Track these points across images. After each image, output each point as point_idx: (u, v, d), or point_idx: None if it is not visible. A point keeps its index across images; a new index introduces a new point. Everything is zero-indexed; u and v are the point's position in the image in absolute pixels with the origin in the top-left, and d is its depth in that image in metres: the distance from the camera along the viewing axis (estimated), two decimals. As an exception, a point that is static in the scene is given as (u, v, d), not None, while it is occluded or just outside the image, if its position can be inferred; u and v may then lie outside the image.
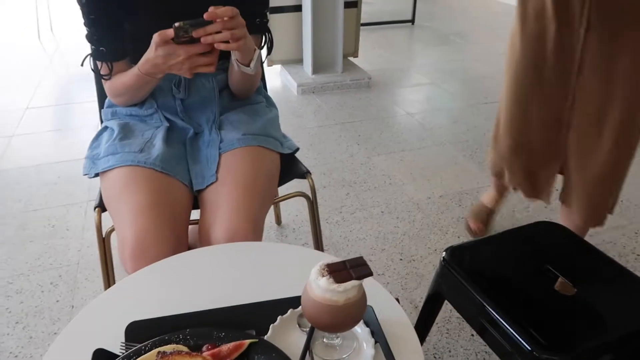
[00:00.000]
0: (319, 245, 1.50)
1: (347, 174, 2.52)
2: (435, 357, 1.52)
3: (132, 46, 1.23)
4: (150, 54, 1.11)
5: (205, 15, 1.03)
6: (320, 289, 0.69)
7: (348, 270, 0.71)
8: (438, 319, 1.53)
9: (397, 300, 1.36)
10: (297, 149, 1.46)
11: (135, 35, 1.22)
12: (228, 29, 1.05)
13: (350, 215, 2.20)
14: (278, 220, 2.12)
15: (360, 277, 0.70)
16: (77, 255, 1.89)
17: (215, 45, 1.06)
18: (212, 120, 1.34)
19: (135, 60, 1.20)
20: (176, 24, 1.03)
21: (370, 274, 0.71)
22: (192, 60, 1.09)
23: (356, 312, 0.71)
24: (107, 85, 1.28)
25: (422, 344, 1.28)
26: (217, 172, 1.22)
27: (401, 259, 1.93)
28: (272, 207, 2.08)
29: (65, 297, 1.74)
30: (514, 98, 1.54)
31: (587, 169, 1.45)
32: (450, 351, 1.54)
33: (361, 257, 0.73)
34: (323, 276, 0.69)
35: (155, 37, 1.07)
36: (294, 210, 2.21)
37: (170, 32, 1.05)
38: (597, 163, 1.42)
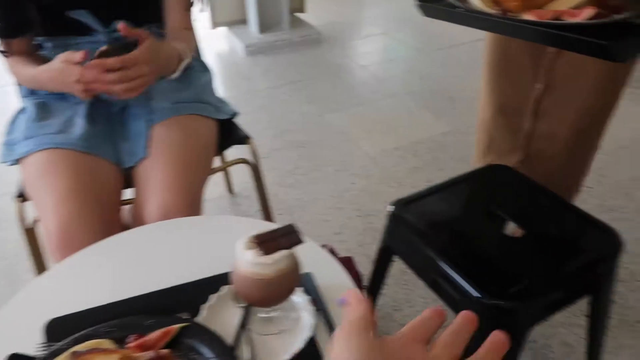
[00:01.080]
0: (267, 213, 1.44)
1: (300, 135, 2.46)
2: (394, 310, 1.52)
3: (40, 17, 1.12)
4: (52, 64, 1.04)
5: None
6: (247, 263, 0.64)
7: (277, 239, 0.66)
8: (395, 271, 1.53)
9: (350, 259, 1.34)
10: (236, 114, 1.38)
11: (41, 3, 1.10)
12: (125, 80, 0.99)
13: (305, 176, 2.15)
14: (230, 189, 2.05)
15: (290, 246, 0.65)
16: (16, 247, 1.79)
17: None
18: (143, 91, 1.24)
19: (43, 33, 1.09)
20: (102, 48, 0.99)
21: (301, 241, 0.66)
22: (87, 84, 1.00)
23: (289, 282, 0.67)
24: (8, 64, 1.16)
25: (377, 297, 1.27)
26: (147, 146, 1.14)
27: (358, 216, 1.90)
28: (222, 176, 2.01)
29: (4, 291, 1.65)
30: (487, 69, 1.33)
31: (550, 158, 1.31)
32: (409, 302, 1.54)
33: (291, 225, 0.69)
34: (250, 249, 0.65)
35: (63, 55, 1.01)
36: (247, 177, 2.14)
37: (78, 55, 0.99)
38: (559, 152, 1.28)
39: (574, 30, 0.74)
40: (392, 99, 2.75)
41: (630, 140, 2.30)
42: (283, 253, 0.64)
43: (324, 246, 1.40)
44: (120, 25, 1.00)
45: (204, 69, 1.42)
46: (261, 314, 0.73)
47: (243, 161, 1.34)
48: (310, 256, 0.85)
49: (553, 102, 1.20)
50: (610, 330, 1.44)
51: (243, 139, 1.34)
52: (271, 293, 0.65)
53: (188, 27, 1.30)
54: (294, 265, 0.67)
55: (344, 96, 2.81)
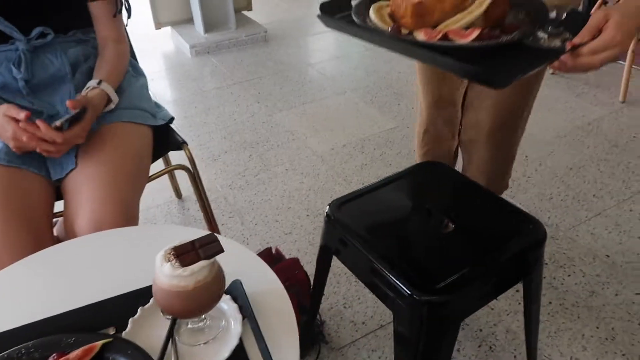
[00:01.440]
0: (209, 219, 1.42)
1: (249, 135, 2.44)
2: (345, 307, 1.53)
3: None
4: None
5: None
6: (165, 276, 0.63)
7: (196, 250, 0.65)
8: (345, 269, 1.54)
9: (297, 260, 1.35)
10: (172, 119, 1.36)
11: None
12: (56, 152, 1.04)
13: (254, 177, 2.13)
14: (178, 194, 2.01)
15: (208, 257, 0.65)
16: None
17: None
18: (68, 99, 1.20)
19: None
20: (57, 123, 1.02)
21: (220, 251, 0.66)
22: (21, 143, 1.02)
23: (211, 292, 0.66)
24: None
25: (321, 297, 1.28)
26: (77, 156, 1.10)
27: (308, 215, 1.91)
28: (169, 181, 1.97)
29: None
30: (420, 65, 1.37)
31: (479, 146, 1.35)
32: (359, 298, 1.56)
33: (211, 234, 0.68)
34: (168, 261, 0.64)
35: (5, 107, 1.01)
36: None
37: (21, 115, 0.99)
38: (484, 145, 1.33)
39: (456, 52, 0.75)
40: (339, 96, 2.77)
41: (568, 130, 2.40)
42: (202, 264, 0.64)
43: (269, 249, 1.40)
44: (68, 103, 1.02)
45: (137, 73, 1.39)
46: (189, 324, 0.72)
47: (180, 167, 1.32)
48: (241, 262, 0.85)
49: (476, 95, 1.25)
50: (552, 314, 1.50)
51: (179, 145, 1.31)
52: (192, 304, 0.64)
53: (120, 40, 1.26)
54: (216, 274, 0.67)
55: (292, 95, 2.81)
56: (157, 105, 1.38)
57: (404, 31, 0.84)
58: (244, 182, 2.10)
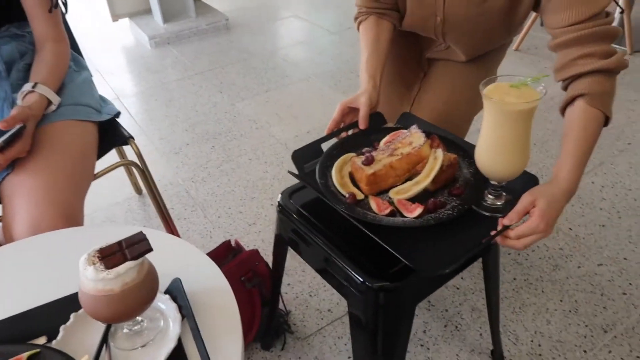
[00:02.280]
0: (165, 216, 1.38)
1: (211, 126, 2.39)
2: (310, 295, 1.51)
3: None
4: None
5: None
6: (90, 280, 0.59)
7: (123, 251, 0.61)
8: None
9: (256, 251, 1.32)
10: (119, 113, 1.30)
11: None
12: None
13: (217, 169, 2.09)
14: (138, 190, 1.96)
15: (136, 257, 0.61)
16: None
17: None
18: (3, 99, 1.14)
19: None
20: None
21: (148, 250, 0.62)
22: None
23: (142, 295, 0.63)
24: None
25: (280, 287, 1.25)
26: (14, 160, 1.05)
27: (272, 204, 1.88)
28: (126, 177, 1.92)
29: None
30: None
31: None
32: (325, 286, 1.54)
33: (140, 233, 0.64)
34: (92, 264, 0.60)
35: None
36: (156, 175, 2.06)
37: None
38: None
39: (394, 232, 0.84)
40: (304, 82, 2.73)
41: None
42: (128, 265, 0.60)
43: (227, 242, 1.36)
44: (1, 124, 0.97)
45: (80, 67, 1.33)
46: (125, 328, 0.69)
47: (128, 163, 1.27)
48: (184, 259, 0.81)
49: (431, 81, 1.27)
50: (516, 290, 1.51)
51: (125, 140, 1.26)
52: (121, 308, 0.61)
53: (58, 38, 1.19)
54: (147, 275, 0.63)
55: (255, 83, 2.75)
56: (103, 99, 1.33)
57: (360, 196, 0.91)
58: (206, 174, 2.06)
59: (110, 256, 0.60)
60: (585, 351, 1.33)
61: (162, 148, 2.25)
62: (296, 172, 0.98)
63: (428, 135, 0.97)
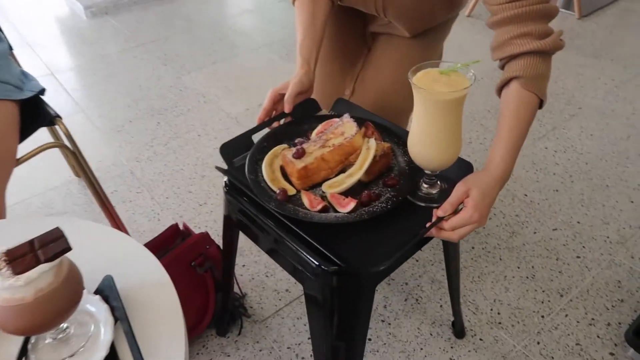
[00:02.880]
0: (102, 201, 1.27)
1: (156, 101, 2.25)
2: (267, 276, 1.46)
3: None
4: None
5: None
6: (-5, 288, 0.51)
7: (35, 252, 0.53)
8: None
9: (206, 234, 1.24)
10: (43, 90, 1.17)
11: None
12: None
13: (164, 146, 1.97)
14: (77, 172, 1.82)
15: (51, 258, 0.52)
16: None
17: None
18: None
19: None
20: None
21: (66, 249, 0.54)
22: None
23: (61, 301, 0.54)
24: None
25: (233, 270, 1.19)
26: None
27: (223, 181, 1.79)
28: (64, 159, 1.77)
29: None
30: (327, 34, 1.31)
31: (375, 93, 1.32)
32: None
33: (57, 229, 0.56)
34: (-1, 269, 0.51)
35: None
36: (98, 156, 1.92)
37: None
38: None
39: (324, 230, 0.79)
40: (253, 53, 2.61)
41: (484, 72, 2.38)
42: (42, 268, 0.52)
43: (174, 225, 1.28)
44: None
45: (-5, 38, 1.18)
46: (48, 338, 0.60)
47: (56, 145, 1.15)
48: (118, 253, 0.73)
49: (375, 57, 1.20)
50: (474, 259, 1.50)
51: (52, 119, 1.14)
52: (37, 319, 0.52)
53: None
54: (67, 277, 0.55)
55: (202, 54, 2.61)
56: (25, 75, 1.19)
57: (291, 192, 0.85)
58: (152, 153, 1.94)
59: (19, 259, 0.52)
60: (542, 316, 1.34)
61: (103, 126, 2.10)
62: (225, 166, 0.91)
63: (361, 123, 0.92)
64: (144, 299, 0.66)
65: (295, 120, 1.01)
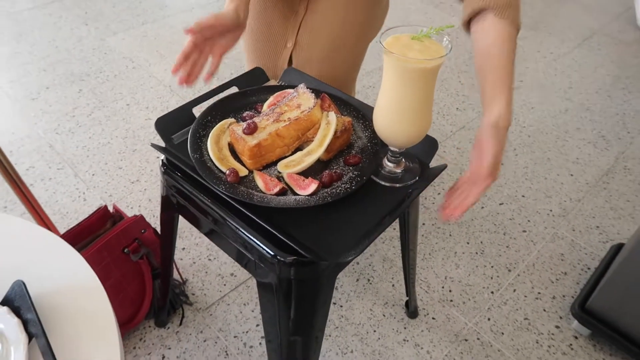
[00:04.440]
0: (15, 183, 1.08)
1: (77, 66, 2.02)
2: (209, 259, 1.35)
3: None
4: None
5: None
6: None
7: None
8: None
9: (141, 217, 1.10)
10: None
11: None
12: None
13: (87, 117, 1.77)
14: None
15: None
16: None
17: None
18: None
19: None
20: None
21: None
22: None
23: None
24: None
25: (172, 255, 1.07)
26: None
27: (158, 156, 1.63)
28: None
29: None
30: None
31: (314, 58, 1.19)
32: (225, 248, 1.38)
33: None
34: None
35: None
36: (8, 127, 1.70)
37: None
38: None
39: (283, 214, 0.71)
40: (187, 14, 2.41)
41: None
42: None
43: (103, 208, 1.13)
44: None
45: None
46: (-62, 365, 0.48)
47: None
48: (31, 250, 0.60)
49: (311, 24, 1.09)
50: (425, 236, 1.47)
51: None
52: None
53: None
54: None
55: (129, 14, 2.37)
56: None
57: (243, 172, 0.75)
58: (74, 124, 1.73)
59: None
60: (492, 292, 1.33)
61: (14, 94, 1.85)
62: (163, 144, 0.79)
63: (318, 95, 0.83)
64: (64, 305, 0.54)
65: (242, 92, 0.90)
